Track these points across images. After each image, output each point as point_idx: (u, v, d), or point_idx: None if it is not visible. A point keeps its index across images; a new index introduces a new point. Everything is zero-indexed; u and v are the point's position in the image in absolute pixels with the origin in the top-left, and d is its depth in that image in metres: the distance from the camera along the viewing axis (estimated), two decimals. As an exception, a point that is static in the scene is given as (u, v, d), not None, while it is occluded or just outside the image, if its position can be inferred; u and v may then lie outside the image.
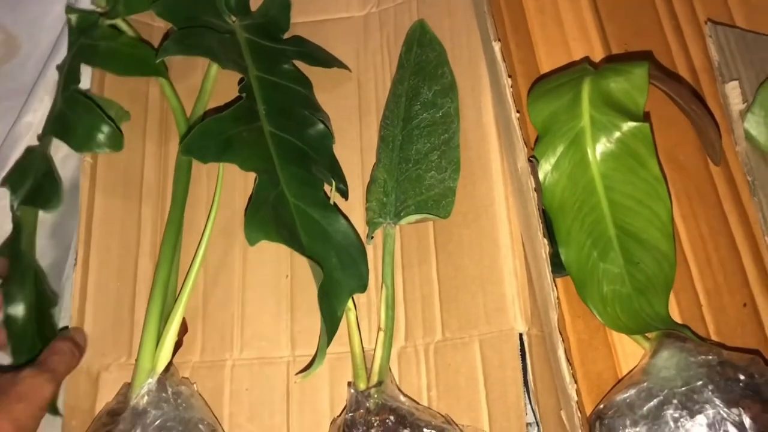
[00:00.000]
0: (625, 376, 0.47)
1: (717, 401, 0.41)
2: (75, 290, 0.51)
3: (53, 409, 0.49)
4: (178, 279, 0.52)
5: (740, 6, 0.56)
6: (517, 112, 0.47)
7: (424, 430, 0.44)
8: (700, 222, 0.50)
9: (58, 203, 0.55)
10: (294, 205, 0.50)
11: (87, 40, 0.55)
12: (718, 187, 0.51)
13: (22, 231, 0.53)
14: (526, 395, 0.46)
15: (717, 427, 0.40)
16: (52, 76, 0.59)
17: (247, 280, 0.53)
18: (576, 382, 0.43)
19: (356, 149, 0.57)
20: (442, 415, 0.46)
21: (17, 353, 0.51)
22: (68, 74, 0.55)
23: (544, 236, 0.45)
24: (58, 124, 0.54)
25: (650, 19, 0.57)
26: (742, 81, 0.50)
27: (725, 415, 0.40)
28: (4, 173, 0.58)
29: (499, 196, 0.50)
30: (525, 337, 0.47)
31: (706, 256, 0.50)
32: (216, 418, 0.48)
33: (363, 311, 0.51)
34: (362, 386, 0.46)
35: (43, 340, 0.51)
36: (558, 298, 0.44)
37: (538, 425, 0.46)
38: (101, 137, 0.53)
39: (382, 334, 0.48)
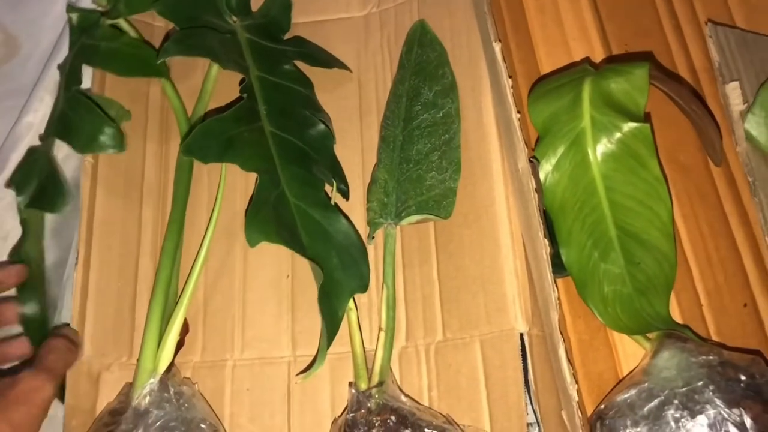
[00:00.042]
0: (626, 376, 0.47)
1: (718, 402, 0.41)
2: (76, 290, 0.51)
3: (60, 395, 0.49)
4: (179, 279, 0.52)
5: (740, 6, 0.56)
6: (518, 112, 0.47)
7: (426, 430, 0.44)
8: (700, 222, 0.50)
9: (64, 205, 0.55)
10: (295, 205, 0.50)
11: (88, 40, 0.55)
12: (718, 187, 0.51)
13: (29, 234, 0.53)
14: (527, 395, 0.46)
15: (718, 427, 0.40)
16: (53, 76, 0.59)
17: (248, 280, 0.53)
18: (577, 382, 0.43)
19: (357, 149, 0.57)
20: (443, 416, 0.46)
21: None
22: (69, 75, 0.55)
23: (545, 237, 0.45)
24: (61, 126, 0.54)
25: (650, 20, 0.57)
26: (742, 81, 0.50)
27: (726, 416, 0.40)
28: (4, 173, 0.58)
29: (500, 196, 0.50)
30: (526, 338, 0.47)
31: (706, 257, 0.50)
32: (218, 418, 0.48)
33: (364, 311, 0.51)
34: (363, 386, 0.46)
35: None
36: (559, 298, 0.44)
37: (539, 425, 0.46)
38: (104, 138, 0.53)
39: (383, 334, 0.48)
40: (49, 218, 0.57)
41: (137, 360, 0.48)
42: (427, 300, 0.51)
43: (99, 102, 0.54)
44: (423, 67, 0.56)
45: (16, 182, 0.56)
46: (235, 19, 0.60)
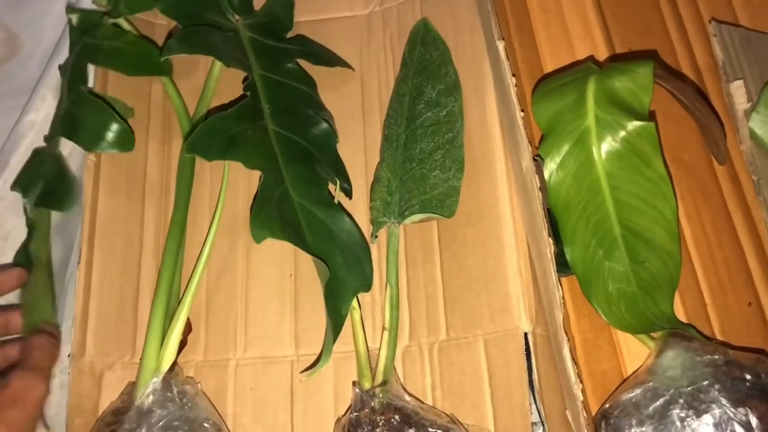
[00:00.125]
0: (631, 375, 0.47)
1: (723, 401, 0.40)
2: (78, 289, 0.51)
3: None
4: (181, 278, 0.52)
5: (744, 5, 0.56)
6: (522, 111, 0.47)
7: (429, 429, 0.44)
8: (704, 221, 0.50)
9: (73, 203, 0.55)
10: (298, 203, 0.50)
11: (91, 39, 0.55)
12: (722, 186, 0.51)
13: (36, 234, 0.53)
14: (531, 395, 0.46)
15: (724, 426, 0.40)
16: (55, 75, 0.59)
17: (251, 279, 0.53)
18: (581, 381, 0.43)
19: (360, 148, 0.57)
20: (447, 415, 0.46)
21: None
22: (74, 74, 0.54)
23: (549, 235, 0.44)
24: (67, 124, 0.54)
25: (654, 19, 0.57)
26: (746, 80, 0.49)
27: (732, 415, 0.40)
28: (6, 172, 0.57)
29: (504, 195, 0.50)
30: (530, 337, 0.47)
31: (710, 256, 0.50)
32: (221, 417, 0.48)
33: (367, 310, 0.51)
34: (367, 385, 0.46)
35: None
36: (563, 297, 0.44)
37: (543, 425, 0.46)
38: (111, 136, 0.53)
39: (386, 333, 0.48)
40: (52, 217, 0.56)
41: (140, 359, 0.47)
42: (431, 299, 0.51)
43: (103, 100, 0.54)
44: (426, 66, 0.56)
45: (21, 184, 0.56)
46: (237, 17, 0.60)
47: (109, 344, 0.50)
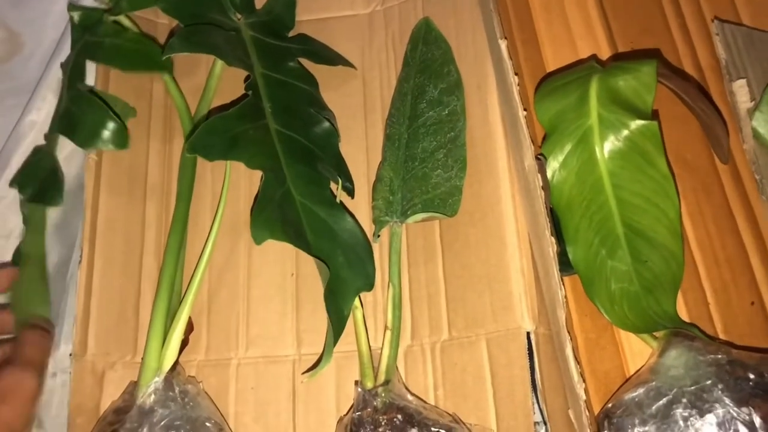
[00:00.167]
0: (633, 375, 0.47)
1: (727, 400, 0.40)
2: (80, 288, 0.51)
3: None
4: (183, 277, 0.52)
5: (747, 4, 0.56)
6: (524, 109, 0.47)
7: (432, 429, 0.44)
8: (707, 220, 0.50)
9: (60, 199, 0.55)
10: (300, 203, 0.50)
11: (92, 37, 0.55)
12: (725, 185, 0.51)
13: (30, 230, 0.53)
14: (534, 394, 0.46)
15: (727, 426, 0.40)
16: (56, 74, 0.59)
17: (253, 278, 0.53)
18: (584, 380, 0.43)
19: (361, 147, 0.57)
20: (450, 414, 0.46)
21: None
22: (73, 71, 0.54)
23: (552, 234, 0.44)
24: (64, 121, 0.54)
25: (656, 18, 0.57)
26: (749, 79, 0.49)
27: (735, 414, 0.40)
28: (7, 171, 0.57)
29: (506, 194, 0.50)
30: (532, 336, 0.46)
31: (713, 255, 0.49)
32: (223, 416, 0.48)
33: (369, 310, 0.51)
34: (369, 385, 0.46)
35: None
36: (565, 296, 0.44)
37: (545, 424, 0.46)
38: (106, 134, 0.52)
39: (389, 332, 0.48)
40: (53, 216, 0.56)
41: (142, 358, 0.47)
42: (433, 298, 0.50)
43: (103, 98, 0.54)
44: (428, 65, 0.56)
45: (19, 182, 0.56)
46: (239, 16, 0.59)
47: (110, 343, 0.50)
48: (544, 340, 0.47)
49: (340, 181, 0.53)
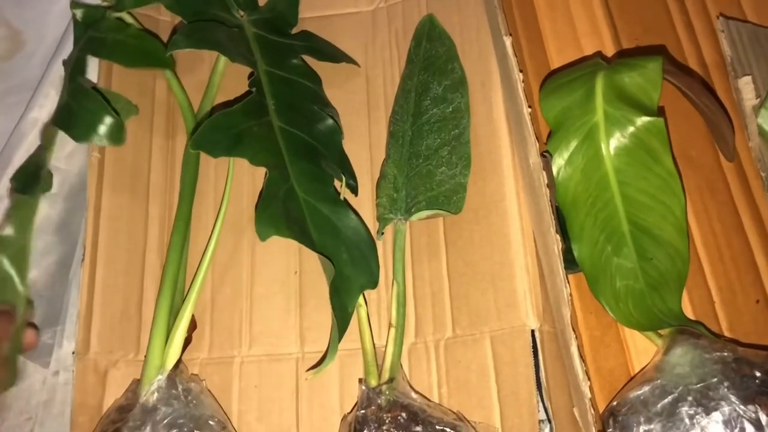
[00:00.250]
0: (638, 372, 0.47)
1: (733, 398, 0.40)
2: (82, 286, 0.51)
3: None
4: (186, 275, 0.51)
5: (751, 1, 0.56)
6: (529, 107, 0.47)
7: (437, 427, 0.44)
8: (712, 218, 0.50)
9: (41, 190, 0.53)
10: (304, 200, 0.50)
11: (95, 33, 0.55)
12: (730, 183, 0.51)
13: (12, 218, 0.52)
14: (538, 392, 0.46)
15: (733, 424, 0.40)
16: (58, 72, 0.59)
17: (256, 276, 0.53)
18: (589, 378, 0.43)
19: (365, 145, 0.57)
20: (454, 412, 0.46)
21: None
22: (75, 66, 0.54)
23: (557, 232, 0.44)
24: (62, 115, 0.53)
25: (661, 15, 0.57)
26: (754, 76, 0.49)
27: (741, 412, 0.40)
28: (9, 169, 0.57)
29: (510, 191, 0.50)
30: (537, 334, 0.46)
31: (718, 253, 0.49)
32: (226, 415, 0.48)
33: (373, 307, 0.51)
34: (373, 383, 0.46)
35: None
36: (570, 294, 0.44)
37: (550, 422, 0.46)
38: (103, 128, 0.51)
39: (393, 330, 0.48)
40: (55, 214, 0.56)
41: (144, 356, 0.47)
42: (437, 296, 0.50)
43: (105, 95, 0.53)
44: (432, 62, 0.56)
45: (16, 177, 0.55)
46: (242, 13, 0.59)
47: (113, 341, 0.50)
48: (548, 338, 0.47)
49: (343, 178, 0.52)
